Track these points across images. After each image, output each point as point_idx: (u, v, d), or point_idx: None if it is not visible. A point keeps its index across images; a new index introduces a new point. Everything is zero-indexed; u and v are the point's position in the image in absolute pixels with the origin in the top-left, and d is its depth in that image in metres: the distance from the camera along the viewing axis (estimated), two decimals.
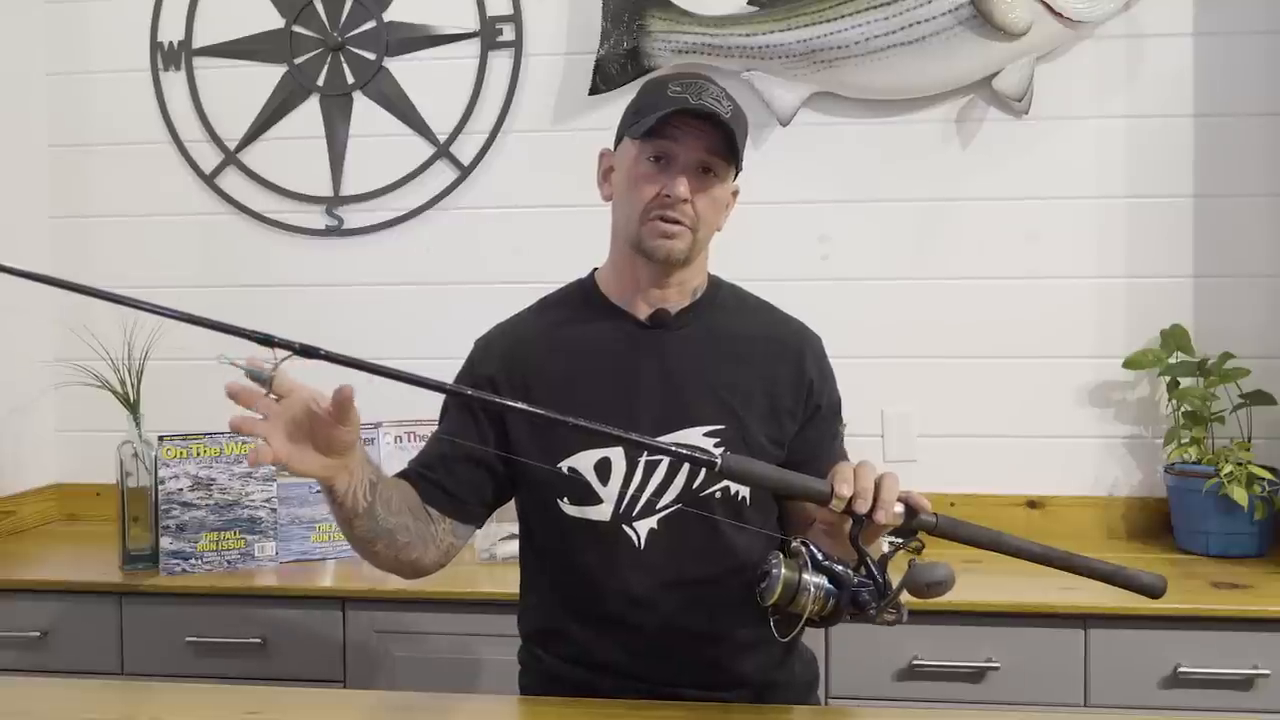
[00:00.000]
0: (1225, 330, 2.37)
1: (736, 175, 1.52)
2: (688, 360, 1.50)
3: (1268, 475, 2.17)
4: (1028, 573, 2.18)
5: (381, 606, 2.11)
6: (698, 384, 1.49)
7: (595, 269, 1.59)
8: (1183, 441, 2.30)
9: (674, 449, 1.22)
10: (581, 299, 1.56)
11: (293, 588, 2.18)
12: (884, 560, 1.24)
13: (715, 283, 1.59)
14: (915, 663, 1.98)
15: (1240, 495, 2.14)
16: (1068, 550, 1.30)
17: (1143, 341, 2.40)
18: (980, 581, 2.04)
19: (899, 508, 1.24)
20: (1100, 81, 2.43)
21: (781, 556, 1.24)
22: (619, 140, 1.52)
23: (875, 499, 1.22)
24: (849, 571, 1.23)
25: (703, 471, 1.45)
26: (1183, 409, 2.31)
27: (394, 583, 2.15)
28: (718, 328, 1.54)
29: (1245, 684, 1.91)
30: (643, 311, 1.52)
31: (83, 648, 2.17)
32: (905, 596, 1.22)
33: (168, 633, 2.15)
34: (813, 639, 1.99)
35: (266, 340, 1.15)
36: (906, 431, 2.49)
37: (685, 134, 1.43)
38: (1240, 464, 2.18)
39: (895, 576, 1.22)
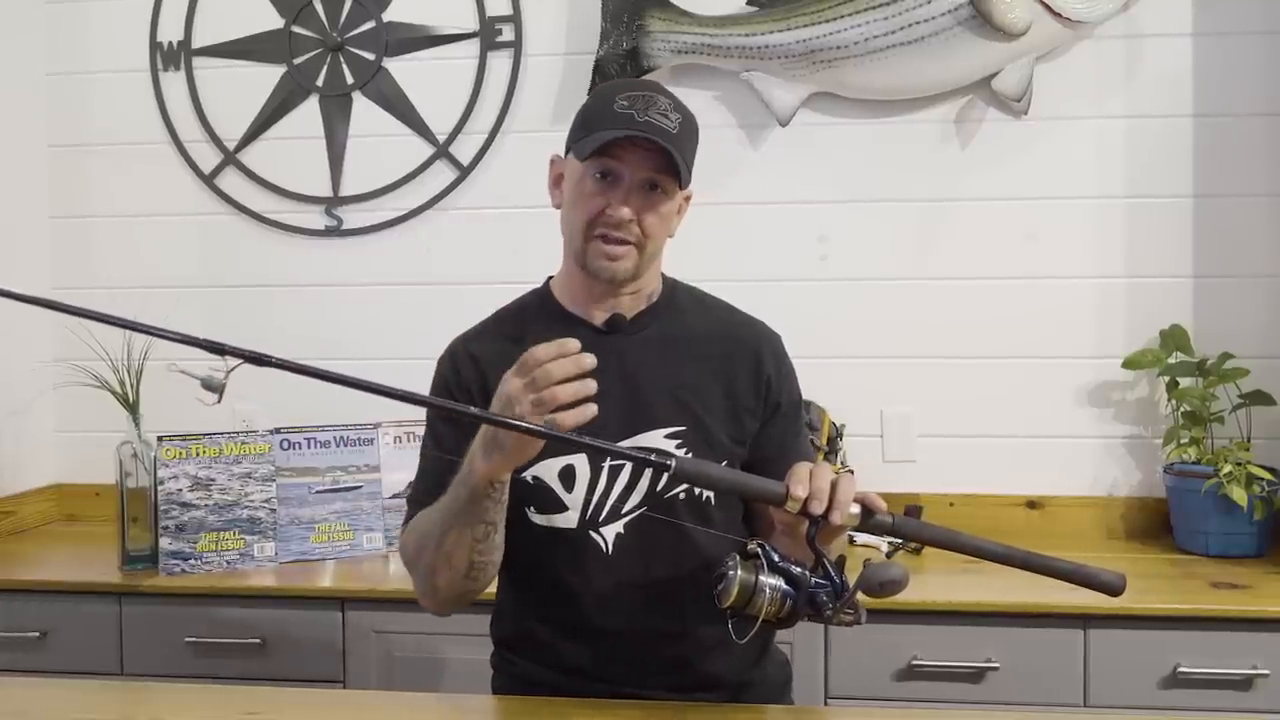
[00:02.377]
0: (1225, 330, 2.37)
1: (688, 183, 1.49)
2: (646, 364, 1.49)
3: (1267, 475, 2.17)
4: (1027, 573, 2.19)
5: (381, 606, 2.11)
6: (656, 387, 1.49)
7: (550, 277, 1.59)
8: (1182, 441, 2.30)
9: (628, 452, 1.23)
10: (538, 307, 1.56)
11: (292, 588, 2.18)
12: (842, 561, 1.24)
13: (671, 284, 1.58)
14: (915, 663, 1.98)
15: (1239, 495, 2.14)
16: (1027, 549, 1.30)
17: (1142, 341, 2.40)
18: (980, 581, 2.04)
19: (855, 509, 1.24)
20: (1100, 81, 2.43)
21: (738, 558, 1.25)
22: (566, 149, 1.50)
23: (830, 500, 1.22)
24: (806, 573, 1.23)
25: (665, 475, 1.45)
26: (1182, 409, 2.31)
27: (394, 583, 2.17)
28: (674, 329, 1.54)
29: (1245, 684, 1.91)
30: (598, 317, 1.52)
31: (82, 648, 2.17)
32: (863, 598, 1.22)
33: (167, 633, 2.15)
34: (810, 640, 2.00)
35: (218, 349, 1.15)
36: (906, 431, 2.49)
37: (630, 152, 1.42)
38: (1240, 464, 2.18)
39: (853, 578, 1.22)
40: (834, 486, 1.22)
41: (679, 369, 1.51)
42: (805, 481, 1.22)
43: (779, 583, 1.23)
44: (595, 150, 1.41)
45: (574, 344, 1.24)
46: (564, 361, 1.22)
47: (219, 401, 1.17)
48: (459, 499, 1.36)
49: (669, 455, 1.25)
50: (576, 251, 1.47)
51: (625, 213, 1.42)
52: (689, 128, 1.45)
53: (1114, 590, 1.30)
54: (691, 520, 1.47)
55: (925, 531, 1.29)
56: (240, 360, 1.15)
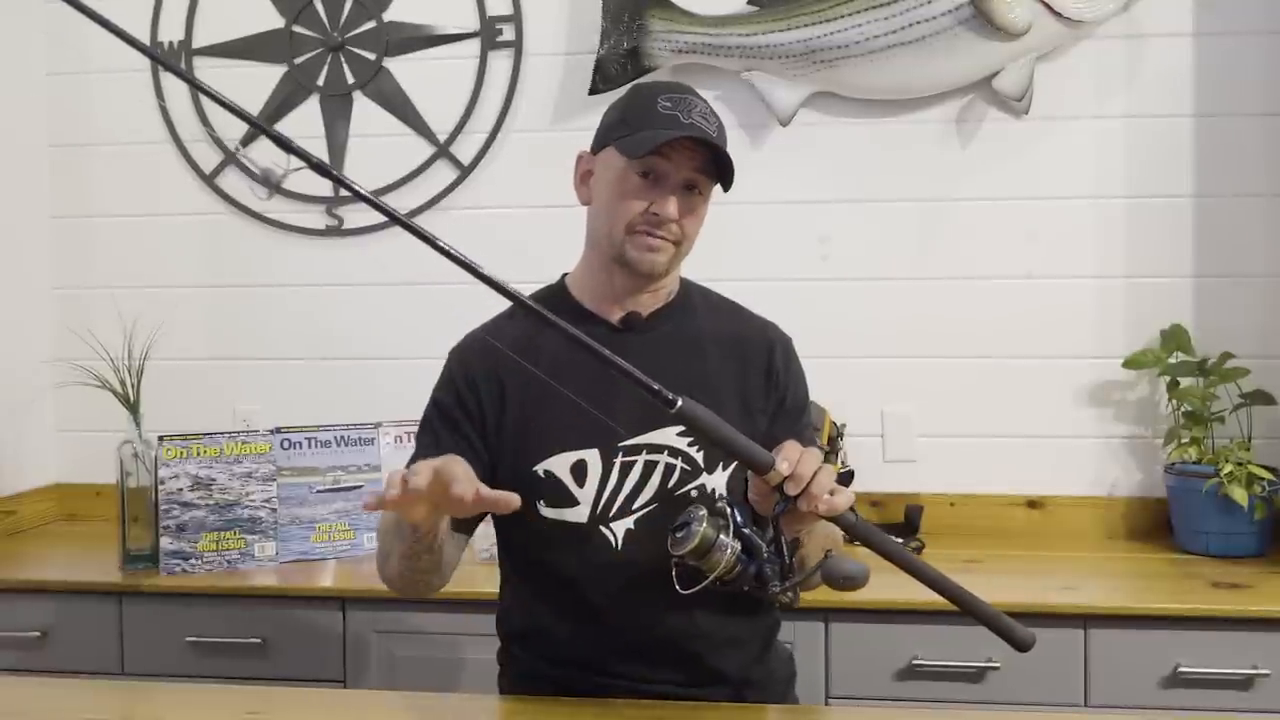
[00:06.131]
0: (1225, 330, 2.36)
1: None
2: (660, 362, 1.50)
3: (1268, 475, 2.17)
4: (1027, 573, 2.20)
5: (381, 606, 2.11)
6: (670, 385, 1.49)
7: (565, 274, 1.61)
8: (1183, 441, 2.30)
9: (637, 375, 1.24)
10: (554, 305, 1.56)
11: (293, 588, 2.18)
12: (795, 544, 1.29)
13: (685, 285, 1.60)
14: (915, 663, 1.98)
15: (1240, 495, 2.14)
16: (960, 585, 1.30)
17: (1142, 341, 2.40)
18: (979, 581, 2.03)
19: (843, 502, 1.25)
20: (1100, 81, 2.43)
21: (705, 512, 1.29)
22: (600, 145, 1.52)
23: (806, 487, 1.24)
24: (762, 545, 1.28)
25: (677, 472, 1.48)
26: (1183, 409, 2.31)
27: None
28: (688, 329, 1.56)
29: (1245, 684, 1.91)
30: (614, 315, 1.53)
31: (83, 648, 2.17)
32: (834, 593, 1.27)
33: (168, 633, 2.15)
34: (811, 640, 2.00)
35: (285, 145, 1.21)
36: (906, 431, 2.49)
37: (677, 152, 1.45)
38: (1240, 464, 2.18)
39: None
40: (814, 475, 1.24)
41: (693, 368, 1.52)
42: (793, 461, 1.25)
43: (737, 546, 1.28)
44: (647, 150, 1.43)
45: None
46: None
47: (269, 197, 1.19)
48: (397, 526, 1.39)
49: (677, 396, 1.25)
50: (615, 248, 1.48)
51: (673, 211, 1.45)
52: (724, 132, 1.49)
53: (1022, 646, 1.30)
54: None
55: (877, 538, 1.30)
56: (302, 165, 1.18)
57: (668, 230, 1.46)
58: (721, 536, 1.27)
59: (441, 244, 1.24)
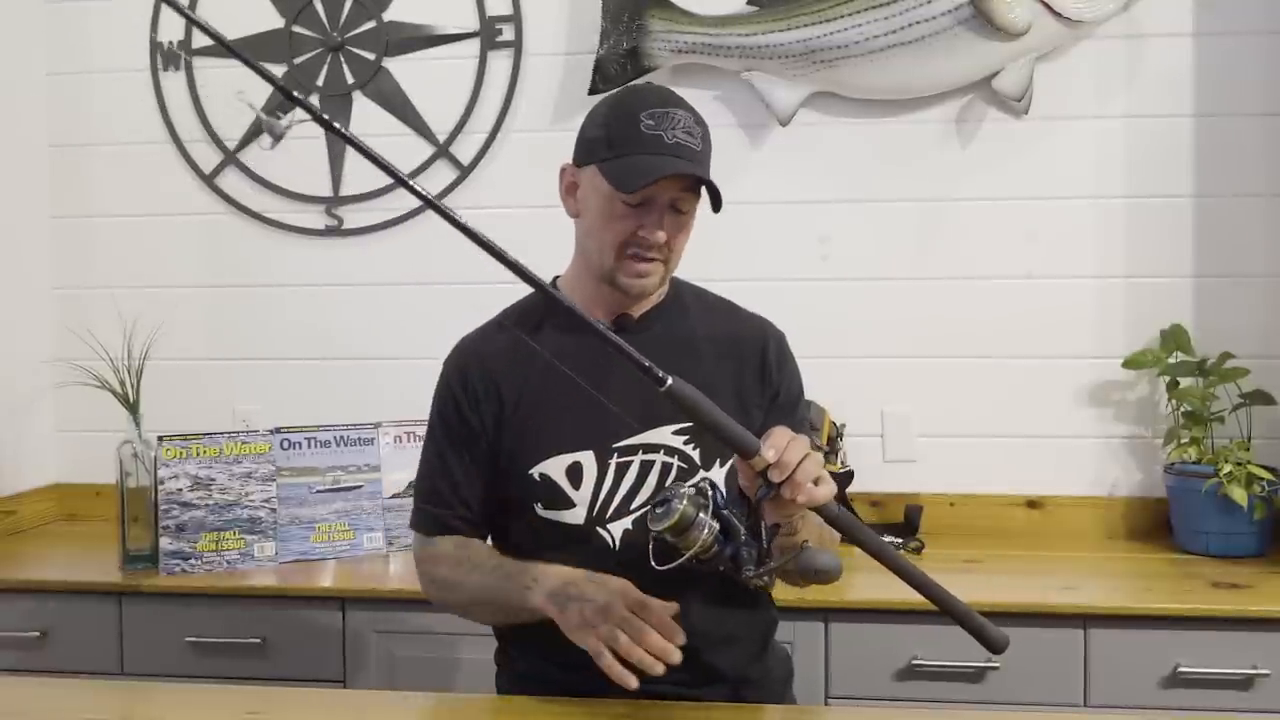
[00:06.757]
0: (1225, 330, 2.36)
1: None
2: (653, 362, 1.50)
3: (1267, 475, 2.17)
4: (1027, 572, 2.20)
5: (381, 606, 2.11)
6: None
7: (556, 277, 1.61)
8: (1182, 441, 2.30)
9: (629, 350, 1.25)
10: (545, 308, 1.57)
11: (292, 588, 2.18)
12: (774, 530, 1.29)
13: (675, 285, 1.60)
14: (915, 663, 1.98)
15: (1240, 495, 2.13)
16: (939, 583, 1.32)
17: (1142, 341, 2.40)
18: (980, 581, 2.04)
19: (825, 492, 1.26)
20: (1100, 81, 2.43)
21: (688, 491, 1.29)
22: (583, 160, 1.51)
23: (791, 475, 1.24)
24: (741, 528, 1.28)
25: (674, 470, 1.48)
26: (1182, 409, 2.31)
27: (394, 583, 2.18)
28: (680, 329, 1.56)
29: (1245, 684, 1.91)
30: (606, 317, 1.53)
31: (82, 648, 2.17)
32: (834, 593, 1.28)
33: (168, 633, 2.15)
34: (811, 640, 2.00)
35: (288, 95, 1.23)
36: (906, 431, 2.49)
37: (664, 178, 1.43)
38: (1240, 464, 2.18)
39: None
40: (799, 463, 1.24)
41: (685, 367, 1.50)
42: (779, 448, 1.25)
43: (716, 527, 1.28)
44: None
45: (674, 609, 1.32)
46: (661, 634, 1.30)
47: (273, 147, 1.20)
48: (505, 593, 1.43)
49: (668, 375, 1.26)
50: (604, 269, 1.49)
51: (661, 237, 1.46)
52: (708, 140, 1.48)
53: (995, 648, 1.31)
54: None
55: (860, 533, 1.31)
56: (308, 116, 1.20)
57: (658, 251, 1.47)
58: (700, 515, 1.27)
59: (431, 199, 1.24)
